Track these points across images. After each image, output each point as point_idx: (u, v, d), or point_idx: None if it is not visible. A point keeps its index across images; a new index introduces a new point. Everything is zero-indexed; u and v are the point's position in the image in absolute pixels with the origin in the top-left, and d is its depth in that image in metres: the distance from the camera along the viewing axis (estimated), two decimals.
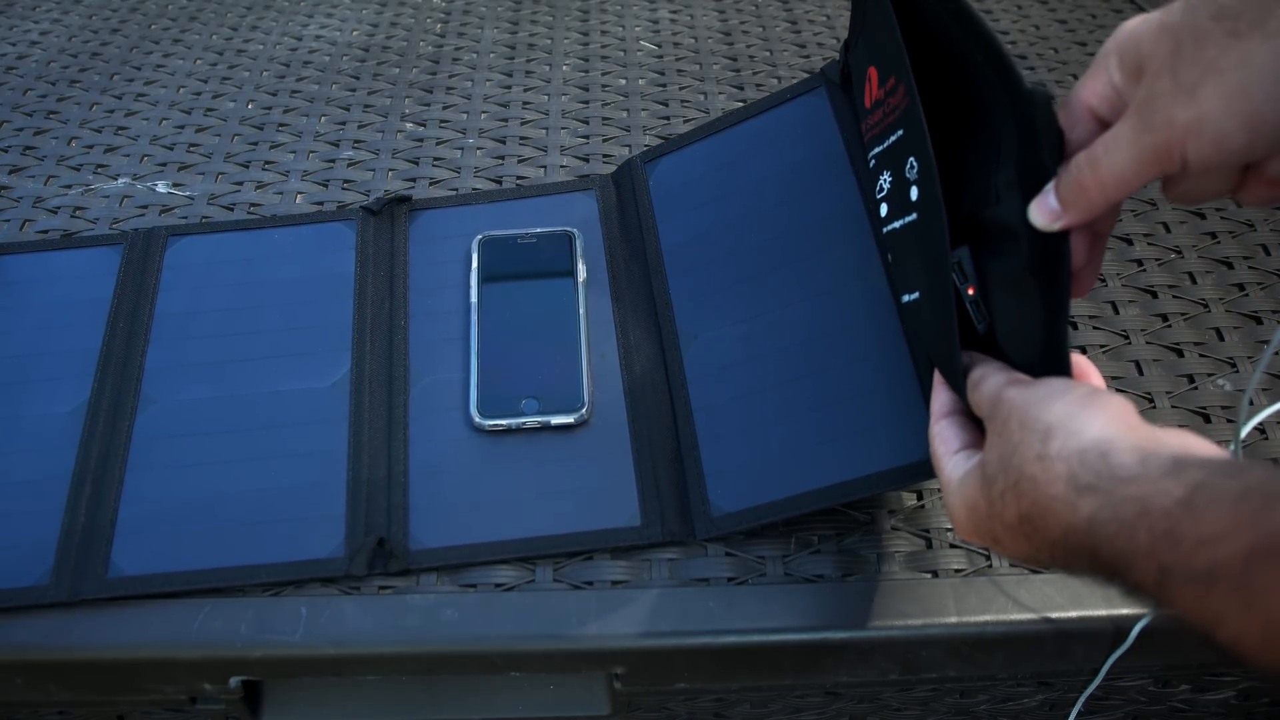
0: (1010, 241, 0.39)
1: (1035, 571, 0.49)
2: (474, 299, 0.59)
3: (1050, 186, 0.37)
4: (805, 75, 0.81)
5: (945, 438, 0.41)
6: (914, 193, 0.44)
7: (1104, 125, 0.36)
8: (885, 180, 0.47)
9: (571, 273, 0.60)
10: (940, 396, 0.43)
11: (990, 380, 0.39)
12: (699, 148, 0.64)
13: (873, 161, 0.50)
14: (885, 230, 0.48)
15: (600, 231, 0.63)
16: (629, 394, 0.55)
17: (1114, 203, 0.36)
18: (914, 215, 0.44)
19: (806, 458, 0.50)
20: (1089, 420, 0.33)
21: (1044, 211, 0.37)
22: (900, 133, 0.45)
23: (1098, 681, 0.50)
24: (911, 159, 0.44)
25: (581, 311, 0.59)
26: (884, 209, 0.48)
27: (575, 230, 0.62)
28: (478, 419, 0.54)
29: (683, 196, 0.62)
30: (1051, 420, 0.34)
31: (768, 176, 0.59)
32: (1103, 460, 0.31)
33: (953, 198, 0.41)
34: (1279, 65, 0.30)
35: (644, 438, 0.54)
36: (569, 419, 0.54)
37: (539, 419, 0.54)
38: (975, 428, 0.41)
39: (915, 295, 0.45)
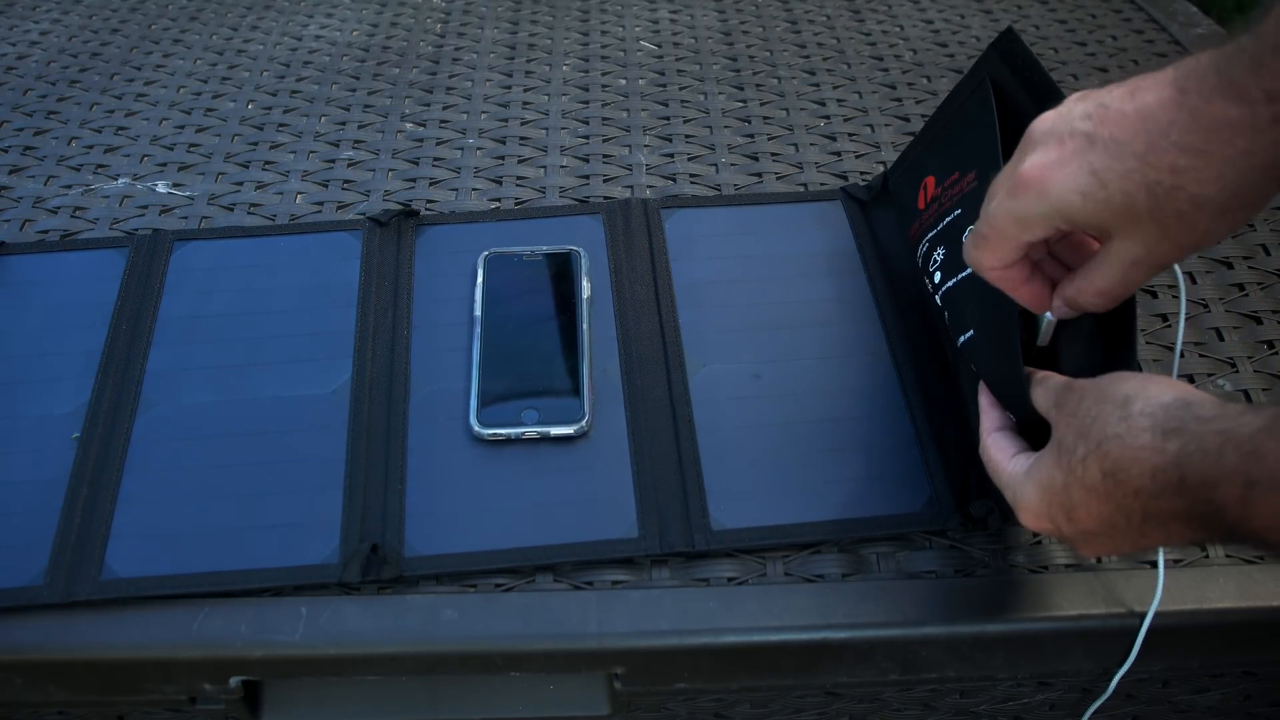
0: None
1: (1035, 572, 0.49)
2: (477, 312, 0.59)
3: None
4: (805, 75, 0.82)
5: (1001, 445, 0.45)
6: None
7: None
8: (939, 254, 0.54)
9: (575, 290, 0.61)
10: (990, 416, 0.47)
11: (1055, 377, 0.43)
12: (717, 211, 0.67)
13: (925, 245, 0.57)
14: (940, 292, 0.54)
15: (606, 254, 0.64)
16: (630, 409, 0.56)
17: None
18: (970, 269, 0.49)
19: (812, 492, 0.52)
20: (1163, 389, 0.37)
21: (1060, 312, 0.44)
22: (959, 210, 0.53)
23: (1109, 692, 0.50)
24: (971, 227, 0.50)
25: (584, 327, 0.59)
26: (937, 276, 0.54)
27: (581, 250, 0.63)
28: (477, 428, 0.54)
29: (698, 246, 0.65)
30: (1128, 391, 0.37)
31: (784, 253, 0.64)
32: (1186, 409, 0.35)
33: None
34: (1229, 216, 0.37)
35: (644, 451, 0.54)
36: (569, 430, 0.54)
37: (538, 430, 0.54)
38: (1023, 440, 0.45)
39: (971, 333, 0.50)
